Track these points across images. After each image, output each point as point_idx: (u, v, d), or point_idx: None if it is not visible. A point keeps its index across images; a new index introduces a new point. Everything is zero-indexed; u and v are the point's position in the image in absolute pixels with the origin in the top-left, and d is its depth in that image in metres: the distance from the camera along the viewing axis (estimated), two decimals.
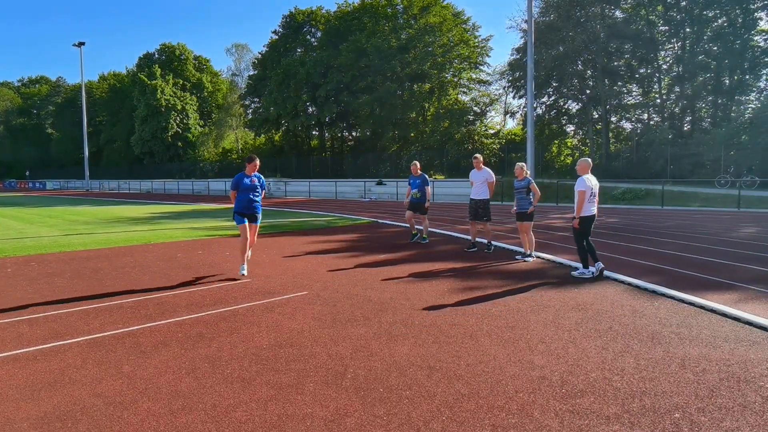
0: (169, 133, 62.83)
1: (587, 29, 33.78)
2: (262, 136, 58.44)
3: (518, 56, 38.60)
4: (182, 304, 5.93)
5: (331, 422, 3.08)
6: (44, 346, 4.51)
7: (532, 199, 8.92)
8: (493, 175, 9.99)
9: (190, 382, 3.69)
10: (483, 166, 10.08)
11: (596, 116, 36.40)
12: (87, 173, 59.51)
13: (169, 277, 7.55)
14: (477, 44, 43.23)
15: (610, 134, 36.36)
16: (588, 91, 35.85)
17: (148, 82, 61.31)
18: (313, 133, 56.37)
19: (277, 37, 55.79)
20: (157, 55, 68.87)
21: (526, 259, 8.91)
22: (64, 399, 3.42)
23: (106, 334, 4.84)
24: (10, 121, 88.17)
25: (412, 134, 45.14)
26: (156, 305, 5.90)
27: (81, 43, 55.38)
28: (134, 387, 3.61)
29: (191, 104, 65.46)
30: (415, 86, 43.42)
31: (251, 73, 59.38)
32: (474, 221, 10.09)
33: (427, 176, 11.17)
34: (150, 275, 7.71)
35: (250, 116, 58.39)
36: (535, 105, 30.86)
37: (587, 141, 37.80)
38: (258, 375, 3.80)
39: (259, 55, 56.99)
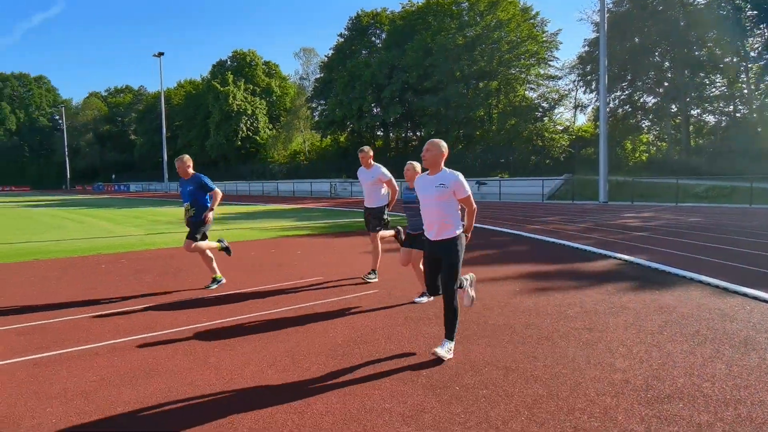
0: (240, 137, 65.39)
1: (665, 18, 32.05)
2: (328, 137, 59.59)
3: (589, 49, 37.26)
4: (260, 301, 6.17)
5: (408, 418, 3.11)
6: (138, 336, 4.83)
7: None
8: (387, 173, 7.10)
9: (272, 374, 3.85)
10: (373, 162, 7.18)
11: (675, 110, 34.48)
12: (166, 176, 62.97)
13: (245, 275, 7.87)
14: (545, 39, 42.01)
15: (691, 128, 34.33)
16: (666, 84, 34.04)
17: (221, 88, 64.02)
18: (378, 133, 56.84)
19: (342, 39, 56.74)
20: (229, 62, 71.79)
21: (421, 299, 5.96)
22: (159, 386, 3.65)
23: (192, 327, 5.12)
24: (98, 129, 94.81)
25: (478, 133, 44.56)
26: (236, 302, 6.18)
27: (160, 54, 58.73)
28: (221, 377, 3.80)
29: (261, 108, 67.76)
30: (481, 84, 42.83)
31: (318, 76, 60.70)
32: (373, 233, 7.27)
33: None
34: (228, 273, 8.07)
35: (316, 118, 59.69)
36: (607, 99, 29.65)
37: (664, 136, 35.91)
38: (335, 371, 3.90)
39: (326, 58, 58.17)
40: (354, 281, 7.21)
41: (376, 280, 7.16)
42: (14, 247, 11.44)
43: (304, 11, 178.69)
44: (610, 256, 8.91)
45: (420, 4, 48.05)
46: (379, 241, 7.17)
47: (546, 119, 41.88)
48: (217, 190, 6.97)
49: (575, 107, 44.69)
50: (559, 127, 42.01)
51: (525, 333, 4.75)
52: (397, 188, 5.92)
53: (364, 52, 55.33)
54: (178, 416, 3.20)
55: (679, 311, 5.37)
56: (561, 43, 41.95)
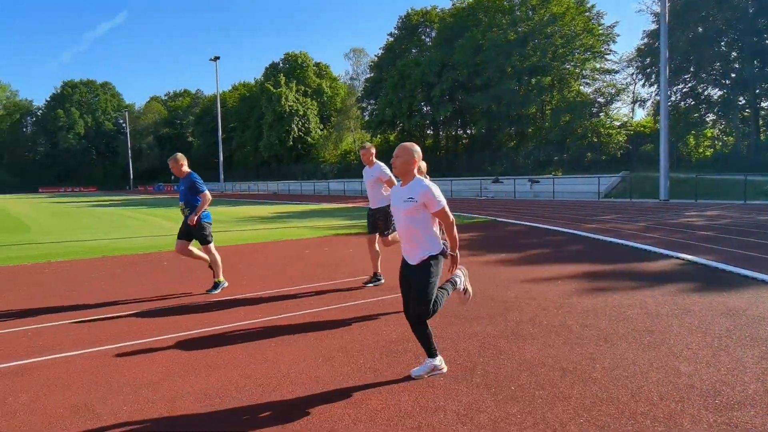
0: (292, 137, 66.72)
1: (732, 5, 30.39)
2: (379, 137, 59.89)
3: (649, 41, 35.82)
4: (314, 298, 6.29)
5: (464, 416, 3.10)
6: (199, 330, 5.02)
7: None
8: (389, 172, 6.45)
9: (327, 370, 3.91)
10: (375, 160, 6.69)
11: (743, 102, 32.62)
12: (222, 176, 65.03)
13: (300, 273, 8.03)
14: (601, 32, 40.62)
15: (761, 122, 32.41)
16: (733, 75, 32.28)
17: (274, 90, 65.52)
18: (428, 132, 56.68)
19: (392, 39, 56.89)
20: (281, 64, 73.39)
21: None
22: (220, 378, 3.79)
23: (249, 322, 5.28)
24: (158, 131, 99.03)
25: (530, 130, 43.68)
26: (292, 298, 6.32)
27: (216, 58, 60.62)
28: (278, 372, 3.90)
29: (312, 109, 68.91)
30: (534, 80, 41.95)
31: (368, 76, 61.13)
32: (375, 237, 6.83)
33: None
34: (282, 271, 8.26)
35: (366, 118, 60.12)
36: (668, 93, 28.40)
37: (731, 130, 34.06)
38: (388, 367, 3.93)
39: (375, 58, 58.47)
40: None
41: (383, 282, 6.88)
42: (86, 245, 12.11)
43: (354, 12, 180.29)
44: (672, 256, 8.55)
45: (471, 0, 47.48)
46: (377, 246, 6.80)
47: (602, 115, 40.48)
48: (206, 192, 6.74)
49: (633, 102, 43.08)
50: (616, 123, 40.49)
51: (582, 334, 4.62)
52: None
53: (413, 50, 55.32)
54: (235, 408, 3.31)
55: (749, 314, 5.09)
56: (618, 35, 40.47)
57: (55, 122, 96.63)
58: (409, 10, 55.94)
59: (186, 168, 6.86)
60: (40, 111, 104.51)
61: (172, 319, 5.48)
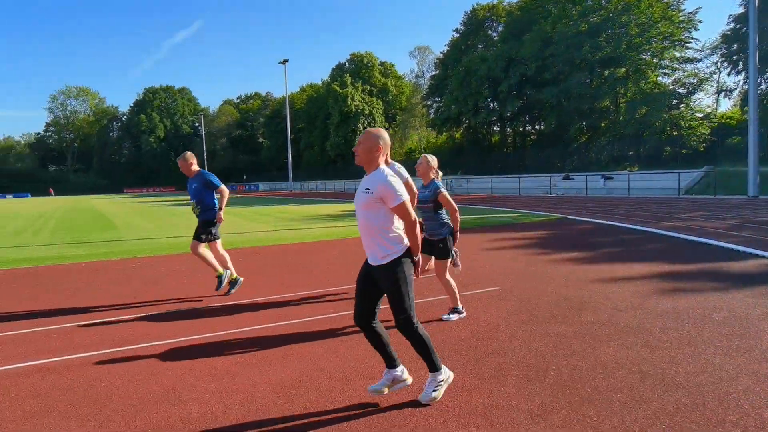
0: (358, 137, 67.53)
1: None
2: (444, 134, 59.58)
3: (736, 26, 33.49)
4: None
5: (537, 416, 3.04)
6: (272, 324, 5.21)
7: (445, 220, 5.16)
8: (404, 172, 5.52)
9: None
10: (391, 161, 6.17)
11: None
12: (290, 175, 66.89)
13: None
14: (682, 19, 38.30)
15: None
16: None
17: (340, 90, 66.63)
18: (495, 128, 55.78)
19: (458, 35, 56.38)
20: (347, 65, 74.51)
21: (451, 317, 5.21)
22: (293, 371, 3.92)
23: (323, 317, 5.42)
24: (231, 133, 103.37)
25: (603, 124, 41.95)
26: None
27: (285, 61, 62.31)
28: (350, 366, 3.99)
29: (377, 108, 69.54)
30: (607, 72, 40.25)
31: (433, 73, 60.93)
32: None
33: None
34: (350, 268, 8.40)
35: (432, 116, 59.92)
36: (758, 81, 26.41)
37: None
38: (459, 365, 3.92)
39: (441, 55, 58.15)
40: (475, 278, 7.15)
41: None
42: (170, 241, 12.85)
43: (418, 10, 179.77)
44: (762, 256, 7.96)
45: None
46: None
47: (683, 106, 38.17)
48: (224, 187, 6.60)
49: (718, 92, 40.50)
50: (699, 115, 38.10)
51: (662, 337, 4.41)
52: (416, 190, 5.30)
53: (479, 46, 54.58)
54: (307, 398, 3.41)
55: None
56: (701, 22, 37.90)
57: (138, 126, 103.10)
58: (475, 6, 55.23)
59: (195, 167, 6.69)
60: (125, 116, 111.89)
61: (250, 312, 5.72)
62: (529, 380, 3.58)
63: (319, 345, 4.52)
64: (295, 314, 5.57)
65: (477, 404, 3.24)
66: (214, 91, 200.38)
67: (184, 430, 3.04)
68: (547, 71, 41.44)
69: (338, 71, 74.44)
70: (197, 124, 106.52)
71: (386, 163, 5.93)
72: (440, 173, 5.37)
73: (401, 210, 3.15)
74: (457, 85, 49.52)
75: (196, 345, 4.64)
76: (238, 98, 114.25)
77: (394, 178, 3.19)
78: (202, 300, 6.41)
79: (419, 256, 3.30)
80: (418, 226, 3.22)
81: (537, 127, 52.93)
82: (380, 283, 3.25)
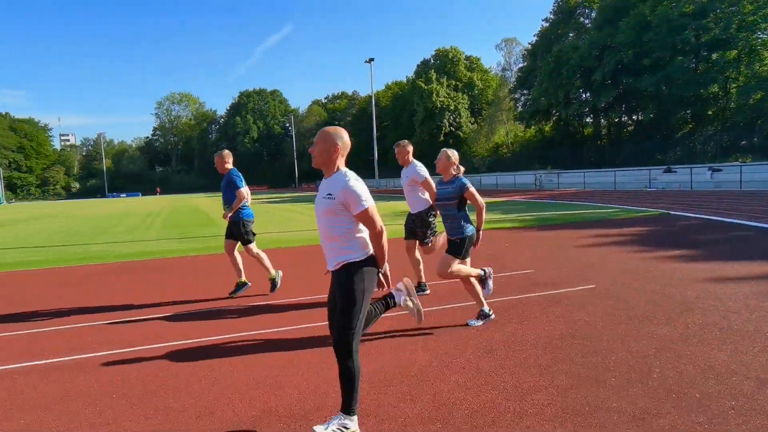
0: (443, 133, 67.20)
1: None
2: (532, 127, 57.80)
3: None
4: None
5: (640, 420, 2.90)
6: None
7: (468, 218, 4.93)
8: (424, 172, 5.77)
9: (489, 362, 3.92)
10: (412, 159, 6.02)
11: None
12: (377, 172, 67.79)
13: None
14: None
15: None
16: None
17: (425, 87, 66.57)
18: (587, 120, 53.31)
19: (547, 24, 54.48)
20: (432, 61, 74.25)
21: (475, 323, 4.88)
22: (377, 365, 4.00)
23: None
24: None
25: (710, 112, 38.75)
26: (448, 291, 6.40)
27: (371, 60, 63.20)
28: (439, 361, 4.00)
29: (463, 103, 68.75)
30: (715, 55, 37.08)
31: (521, 65, 59.29)
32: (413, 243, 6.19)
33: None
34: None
35: (519, 109, 58.32)
36: None
37: None
38: (554, 363, 3.81)
39: (529, 46, 56.43)
40: (568, 276, 6.91)
41: (428, 292, 6.21)
42: (262, 237, 13.52)
43: (505, 1, 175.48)
44: None
45: None
46: (417, 254, 6.11)
47: None
48: (242, 190, 6.40)
49: None
50: None
51: None
52: (436, 190, 5.06)
53: (571, 34, 52.36)
54: (395, 391, 3.47)
55: None
56: None
57: (234, 128, 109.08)
58: None
59: (229, 165, 6.62)
60: (222, 119, 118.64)
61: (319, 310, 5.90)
62: (630, 382, 3.41)
63: (403, 339, 4.57)
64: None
65: (574, 404, 3.14)
66: (303, 92, 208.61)
67: (285, 415, 3.21)
68: (645, 57, 38.87)
69: (423, 67, 74.37)
70: (287, 125, 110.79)
71: (406, 162, 5.96)
72: (462, 168, 5.04)
73: (365, 217, 2.86)
74: (546, 76, 47.80)
75: (291, 338, 4.86)
76: (325, 98, 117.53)
77: (358, 181, 2.91)
78: (267, 296, 6.69)
79: (386, 268, 3.04)
80: (384, 235, 2.93)
81: (634, 117, 49.90)
82: (337, 292, 2.95)
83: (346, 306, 2.86)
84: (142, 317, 5.75)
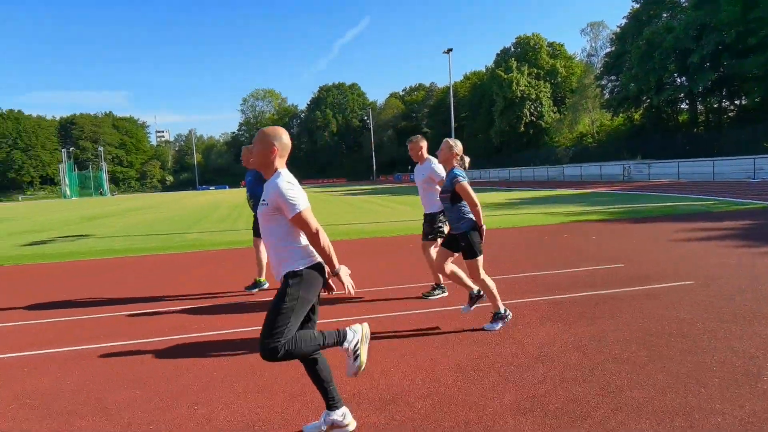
0: (524, 123, 65.32)
1: None
2: (620, 115, 54.89)
3: None
4: (559, 284, 6.13)
5: (748, 423, 2.72)
6: (441, 309, 5.36)
7: (464, 213, 4.61)
8: (439, 169, 5.41)
9: (578, 356, 3.81)
10: (426, 155, 5.69)
11: None
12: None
13: (542, 258, 7.91)
14: None
15: None
16: None
17: (505, 76, 64.95)
18: (681, 106, 49.83)
19: (638, 5, 51.38)
20: (512, 49, 72.29)
21: (494, 326, 4.55)
22: (474, 353, 4.01)
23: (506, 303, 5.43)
24: (397, 125, 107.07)
25: None
26: (533, 283, 6.28)
27: (449, 50, 62.49)
28: (527, 353, 3.94)
29: (545, 92, 66.47)
30: None
31: (608, 50, 56.40)
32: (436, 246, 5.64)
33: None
34: (525, 256, 8.24)
35: (606, 96, 55.53)
36: None
37: None
38: (649, 361, 3.64)
39: (618, 29, 53.53)
40: (664, 270, 6.54)
41: (446, 294, 5.87)
42: (340, 228, 13.87)
43: None
44: None
45: None
46: (431, 252, 5.62)
47: None
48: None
49: None
50: None
51: None
52: None
53: (664, 15, 49.01)
54: (484, 382, 3.46)
55: None
56: None
57: (314, 122, 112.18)
58: None
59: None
60: (303, 114, 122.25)
61: (408, 300, 5.94)
62: (737, 384, 3.20)
63: (499, 331, 4.54)
64: (453, 300, 5.63)
65: (673, 404, 2.99)
66: (381, 85, 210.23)
67: (374, 399, 3.31)
68: (751, 36, 35.64)
69: (503, 56, 72.55)
70: (366, 118, 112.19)
71: (421, 158, 5.67)
72: (467, 159, 4.75)
73: (299, 220, 2.69)
74: (636, 61, 45.06)
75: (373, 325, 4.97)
76: (403, 90, 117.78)
77: (290, 184, 2.72)
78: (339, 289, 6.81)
79: (339, 269, 2.76)
80: (322, 235, 2.72)
81: (737, 102, 45.98)
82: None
83: (273, 313, 2.67)
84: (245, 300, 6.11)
